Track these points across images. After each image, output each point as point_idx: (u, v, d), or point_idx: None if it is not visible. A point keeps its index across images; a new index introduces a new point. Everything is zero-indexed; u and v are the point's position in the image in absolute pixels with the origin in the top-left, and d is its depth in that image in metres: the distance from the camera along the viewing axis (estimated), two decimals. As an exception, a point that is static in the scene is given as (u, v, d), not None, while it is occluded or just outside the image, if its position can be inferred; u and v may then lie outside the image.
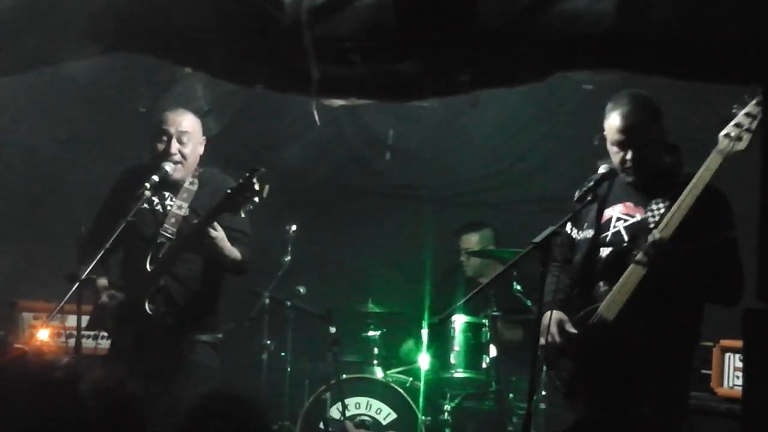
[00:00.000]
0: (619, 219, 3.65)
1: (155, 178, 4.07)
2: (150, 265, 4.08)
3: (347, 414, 5.28)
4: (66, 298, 3.77)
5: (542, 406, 5.13)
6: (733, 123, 3.46)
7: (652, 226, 3.50)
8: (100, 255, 3.87)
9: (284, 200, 5.36)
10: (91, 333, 4.48)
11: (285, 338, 5.81)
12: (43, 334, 4.49)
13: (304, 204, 6.32)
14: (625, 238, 3.60)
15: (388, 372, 5.66)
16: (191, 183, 4.28)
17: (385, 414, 5.41)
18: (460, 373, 5.39)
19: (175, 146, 4.20)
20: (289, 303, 5.70)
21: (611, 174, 3.67)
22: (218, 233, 4.05)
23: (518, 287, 5.34)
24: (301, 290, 5.71)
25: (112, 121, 5.98)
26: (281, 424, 5.59)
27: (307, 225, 5.97)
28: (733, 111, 3.48)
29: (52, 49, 3.63)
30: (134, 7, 3.45)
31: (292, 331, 5.81)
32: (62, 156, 5.92)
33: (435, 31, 3.14)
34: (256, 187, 3.87)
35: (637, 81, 3.67)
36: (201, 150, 4.32)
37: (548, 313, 3.61)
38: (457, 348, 5.39)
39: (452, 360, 5.39)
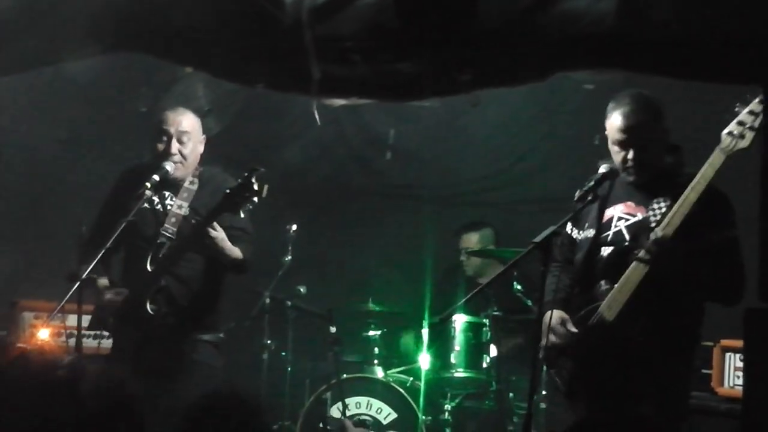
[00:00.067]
0: (620, 218, 3.65)
1: (156, 177, 4.07)
2: (150, 265, 4.09)
3: (348, 414, 5.28)
4: (66, 298, 3.77)
5: (543, 405, 5.13)
6: (735, 121, 3.46)
7: (653, 225, 3.50)
8: (100, 255, 3.87)
9: (285, 200, 5.37)
10: (92, 333, 4.47)
11: (285, 338, 5.81)
12: (44, 334, 4.49)
13: (304, 204, 6.32)
14: (627, 237, 3.60)
15: (388, 372, 5.67)
16: (191, 182, 4.28)
17: (385, 414, 5.41)
18: (460, 373, 5.39)
19: (175, 146, 4.20)
20: (289, 303, 5.71)
21: (612, 174, 3.67)
22: (218, 233, 4.06)
23: (519, 287, 5.34)
24: (302, 290, 5.71)
25: (112, 121, 5.97)
26: (282, 424, 5.59)
27: (308, 225, 5.97)
28: (736, 109, 3.48)
29: (52, 49, 3.63)
30: (134, 7, 3.45)
31: (292, 331, 5.82)
32: (62, 156, 5.92)
33: (436, 31, 3.14)
34: (255, 186, 3.87)
35: (638, 81, 3.67)
36: (201, 149, 4.32)
37: (549, 312, 3.61)
38: (457, 348, 5.39)
39: (453, 360, 5.39)
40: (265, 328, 5.78)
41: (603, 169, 3.67)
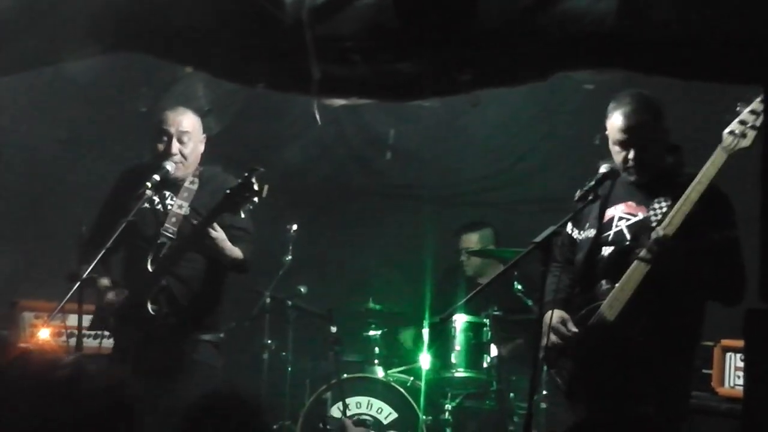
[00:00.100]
0: (621, 218, 3.65)
1: (156, 177, 4.06)
2: (151, 265, 4.09)
3: (348, 413, 5.28)
4: (67, 298, 3.77)
5: (543, 405, 5.14)
6: (737, 120, 3.45)
7: (654, 224, 3.50)
8: (101, 255, 3.87)
9: (285, 200, 5.37)
10: (93, 332, 4.47)
11: (286, 338, 5.82)
12: (44, 334, 4.49)
13: (304, 204, 6.32)
14: (628, 237, 3.60)
15: (389, 371, 5.67)
16: (192, 182, 4.28)
17: (386, 413, 5.41)
18: (461, 373, 5.39)
19: (175, 146, 4.19)
20: (290, 302, 5.71)
21: (613, 173, 3.67)
22: (218, 234, 4.05)
23: (519, 287, 5.34)
24: (302, 290, 5.72)
25: (112, 121, 5.97)
26: (282, 424, 5.60)
27: (308, 224, 5.98)
28: (738, 109, 3.48)
29: (52, 49, 3.63)
30: (134, 7, 3.45)
31: (293, 331, 5.82)
32: (62, 156, 5.92)
33: (436, 31, 3.14)
34: (256, 187, 3.87)
35: (638, 81, 3.67)
36: (201, 148, 4.32)
37: (549, 312, 3.61)
38: (458, 347, 5.39)
39: (453, 359, 5.39)
40: (265, 328, 5.78)
41: (604, 168, 3.67)
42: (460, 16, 3.09)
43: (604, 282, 3.58)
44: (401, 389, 5.40)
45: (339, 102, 3.62)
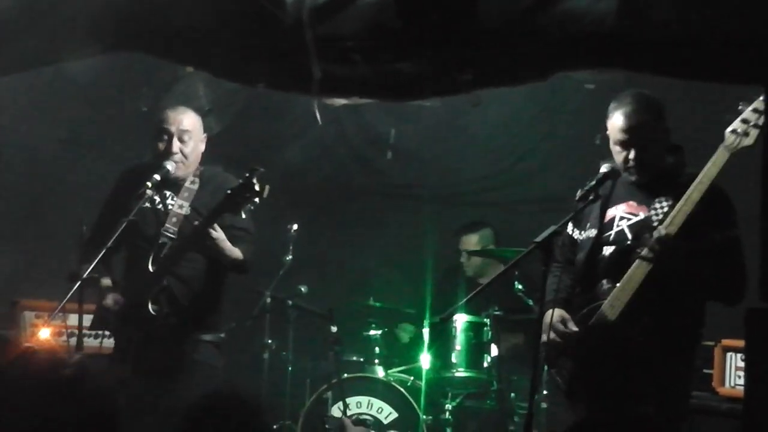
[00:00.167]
0: (622, 218, 3.66)
1: (157, 177, 4.06)
2: (152, 265, 4.08)
3: (348, 413, 5.28)
4: (67, 298, 3.77)
5: (544, 405, 5.14)
6: (739, 119, 3.45)
7: (655, 224, 3.51)
8: (101, 254, 3.87)
9: (285, 200, 5.36)
10: (94, 332, 4.47)
11: (286, 337, 5.82)
12: (45, 333, 4.49)
13: (305, 203, 6.32)
14: (629, 236, 3.60)
15: (389, 371, 5.67)
16: (192, 182, 4.28)
17: (386, 413, 5.41)
18: (461, 373, 5.38)
19: (176, 145, 4.19)
20: (290, 302, 5.71)
21: (614, 173, 3.67)
22: (219, 234, 4.05)
23: (520, 286, 5.34)
24: (303, 289, 5.72)
25: (112, 121, 5.97)
26: (282, 423, 5.60)
27: (308, 224, 5.97)
28: (740, 108, 3.48)
29: (52, 49, 3.63)
30: (134, 7, 3.45)
31: (293, 331, 5.82)
32: (62, 156, 5.92)
33: (436, 31, 3.14)
34: (256, 187, 3.86)
35: (639, 81, 3.68)
36: (202, 148, 4.31)
37: (549, 311, 3.61)
38: (458, 347, 5.39)
39: (453, 359, 5.39)
40: (265, 328, 5.79)
41: (604, 168, 3.67)
42: (461, 16, 3.09)
43: (605, 282, 3.58)
44: (401, 389, 5.40)
45: (339, 102, 3.62)
